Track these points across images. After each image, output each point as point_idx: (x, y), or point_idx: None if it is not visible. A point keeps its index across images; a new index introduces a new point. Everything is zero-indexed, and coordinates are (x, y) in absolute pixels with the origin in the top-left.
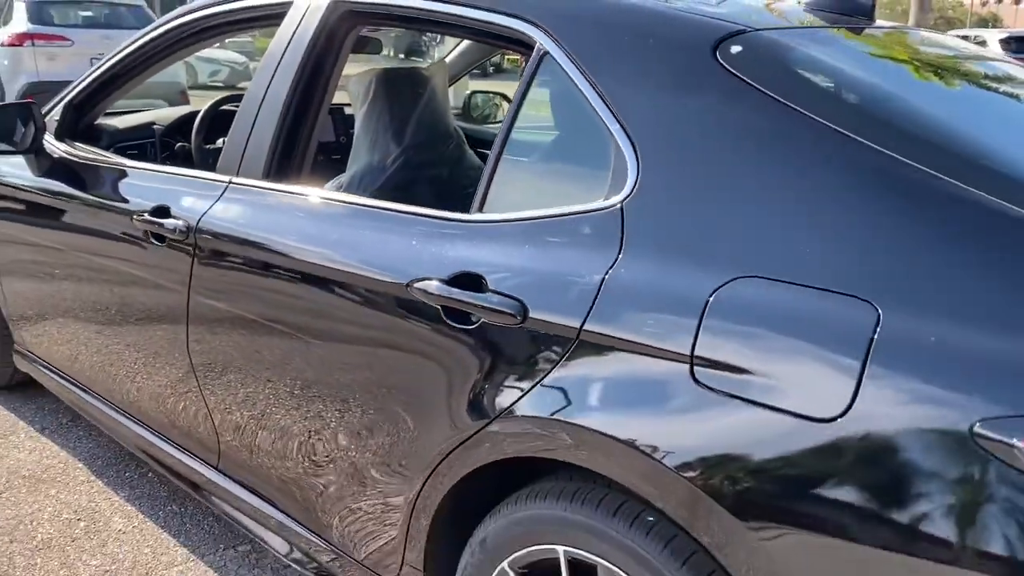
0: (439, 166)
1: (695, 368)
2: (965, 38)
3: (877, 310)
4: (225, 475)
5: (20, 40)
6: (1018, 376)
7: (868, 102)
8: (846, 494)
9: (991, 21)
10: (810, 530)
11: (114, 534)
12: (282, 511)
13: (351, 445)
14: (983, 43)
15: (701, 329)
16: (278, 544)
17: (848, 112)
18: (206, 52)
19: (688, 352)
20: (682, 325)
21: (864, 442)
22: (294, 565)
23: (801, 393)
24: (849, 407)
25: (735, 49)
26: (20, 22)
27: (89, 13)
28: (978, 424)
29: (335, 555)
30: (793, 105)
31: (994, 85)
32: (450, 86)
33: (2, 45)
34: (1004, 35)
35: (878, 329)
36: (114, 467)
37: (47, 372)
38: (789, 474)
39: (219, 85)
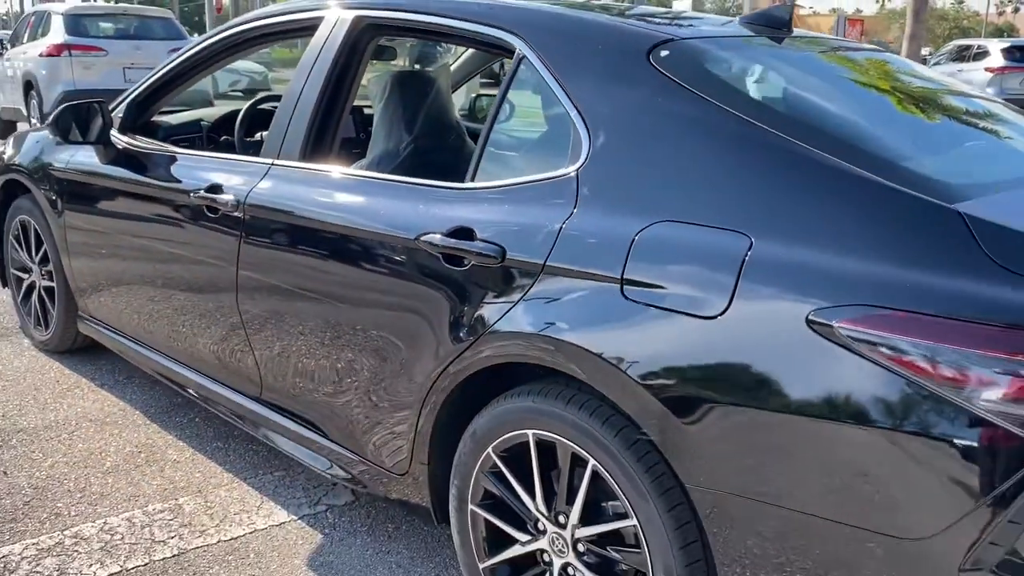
0: (442, 151)
1: (624, 287)
2: (967, 48)
3: (750, 239)
4: (266, 404)
5: (58, 51)
6: (836, 280)
7: (760, 92)
8: (729, 369)
9: (1007, 31)
10: (707, 399)
11: (170, 463)
12: (317, 431)
13: (371, 369)
14: (985, 53)
15: (628, 259)
16: (317, 465)
17: (742, 99)
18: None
19: (619, 276)
20: (616, 257)
21: (738, 330)
22: (330, 477)
23: (696, 300)
24: (728, 307)
25: (663, 53)
26: (57, 34)
27: (121, 25)
28: (811, 313)
29: (366, 465)
30: (703, 95)
31: (869, 77)
32: (454, 91)
33: (41, 55)
34: (1007, 44)
35: (749, 252)
36: (166, 413)
37: (109, 333)
38: (690, 359)
39: (239, 94)
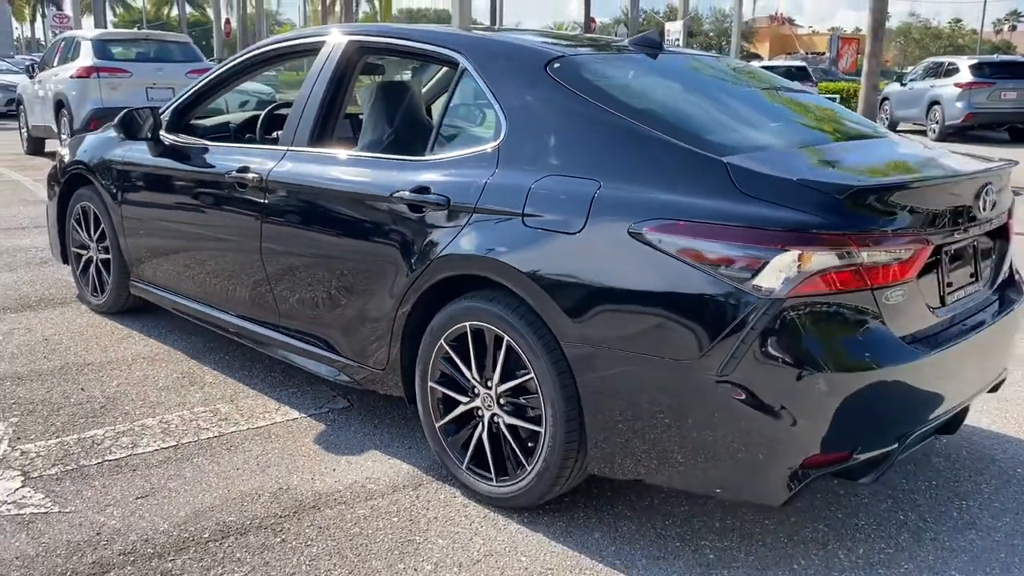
0: (413, 137)
1: (524, 219)
2: (940, 64)
3: (599, 183)
4: (283, 331)
5: (88, 72)
6: (645, 206)
7: (622, 90)
8: (584, 264)
9: (1003, 49)
10: (571, 284)
11: (207, 383)
12: (325, 347)
13: (361, 293)
14: (955, 69)
15: (527, 200)
16: (323, 370)
17: (603, 95)
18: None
19: (521, 211)
20: (519, 199)
21: (590, 240)
22: (336, 381)
23: (566, 223)
24: (584, 226)
25: (556, 65)
26: (87, 57)
27: (143, 49)
28: (630, 226)
29: (360, 368)
30: (578, 93)
31: (710, 77)
32: (431, 103)
33: (72, 77)
34: (975, 61)
35: (597, 191)
36: (202, 352)
37: (157, 291)
38: (561, 260)
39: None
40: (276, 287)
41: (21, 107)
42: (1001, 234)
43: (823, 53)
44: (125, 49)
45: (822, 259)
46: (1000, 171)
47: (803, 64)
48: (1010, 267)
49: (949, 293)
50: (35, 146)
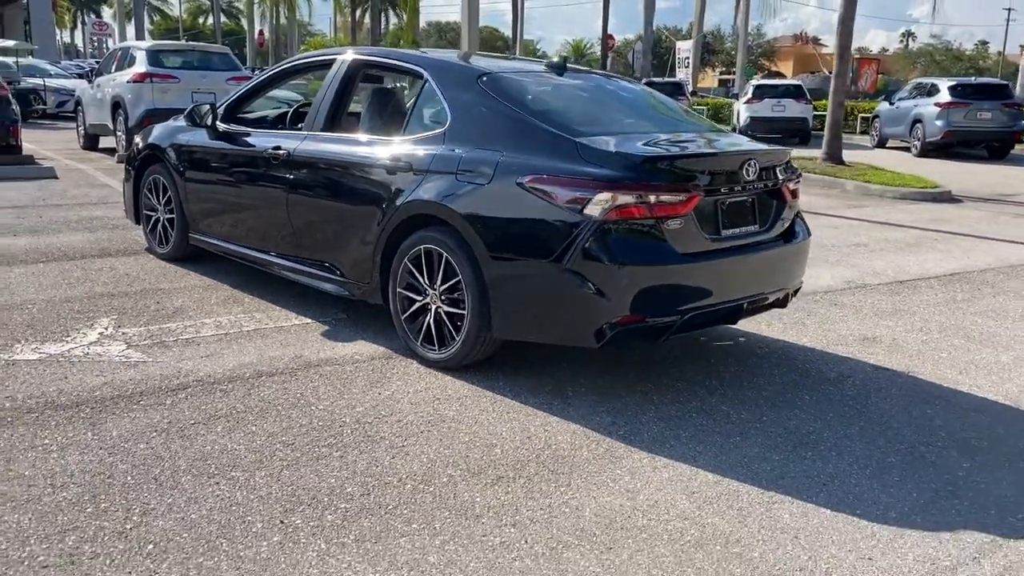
0: (395, 127)
1: (456, 176)
2: (923, 85)
3: (501, 154)
4: (303, 261)
5: (142, 78)
6: (526, 167)
7: (523, 96)
8: (490, 205)
9: None
10: (481, 217)
11: (246, 302)
12: (332, 271)
13: (356, 229)
14: (936, 89)
15: (459, 164)
16: (330, 287)
17: (511, 99)
18: (273, 92)
19: (455, 171)
20: (455, 164)
21: (494, 189)
22: (342, 294)
23: (480, 177)
24: (491, 180)
25: (484, 78)
26: (142, 65)
27: (190, 59)
28: (517, 179)
29: (356, 285)
30: (495, 97)
31: (592, 87)
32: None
33: (128, 82)
34: (953, 82)
35: (500, 158)
36: (242, 283)
37: (211, 240)
38: (476, 202)
39: None
40: (298, 229)
41: (79, 108)
42: (777, 196)
43: None
44: (174, 58)
45: (624, 198)
46: (763, 152)
47: (679, 81)
48: (792, 218)
49: (724, 228)
50: (90, 142)
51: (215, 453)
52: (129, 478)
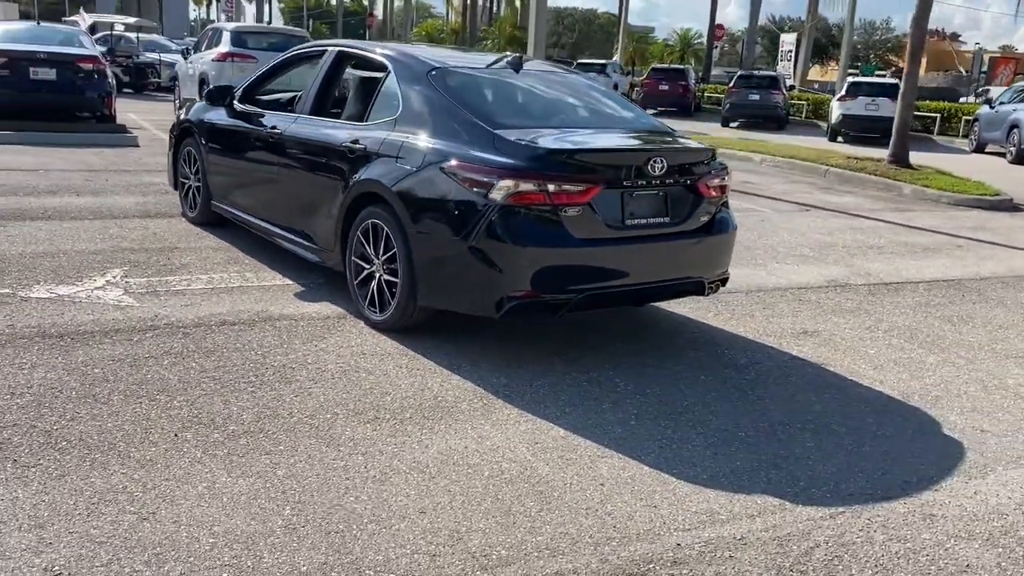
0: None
1: (397, 160)
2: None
3: (433, 140)
4: (289, 230)
5: (224, 57)
6: (449, 154)
7: (463, 90)
8: (418, 184)
9: None
10: (411, 195)
11: (243, 262)
12: (308, 239)
13: (324, 204)
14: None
15: (400, 149)
16: (307, 255)
17: (453, 92)
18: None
19: (396, 156)
20: (396, 149)
21: (423, 173)
22: (316, 261)
23: (413, 161)
24: (421, 165)
25: (433, 73)
26: (225, 45)
27: (270, 41)
28: (441, 164)
29: (324, 252)
30: (440, 90)
31: (537, 85)
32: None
33: (213, 60)
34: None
35: (430, 145)
36: (247, 247)
37: (226, 208)
38: (407, 181)
39: None
40: (286, 201)
41: (176, 82)
42: (695, 191)
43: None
44: (255, 40)
45: (524, 186)
46: (672, 151)
47: (775, 75)
48: (714, 212)
49: (629, 218)
50: None
51: (151, 380)
52: (74, 393)
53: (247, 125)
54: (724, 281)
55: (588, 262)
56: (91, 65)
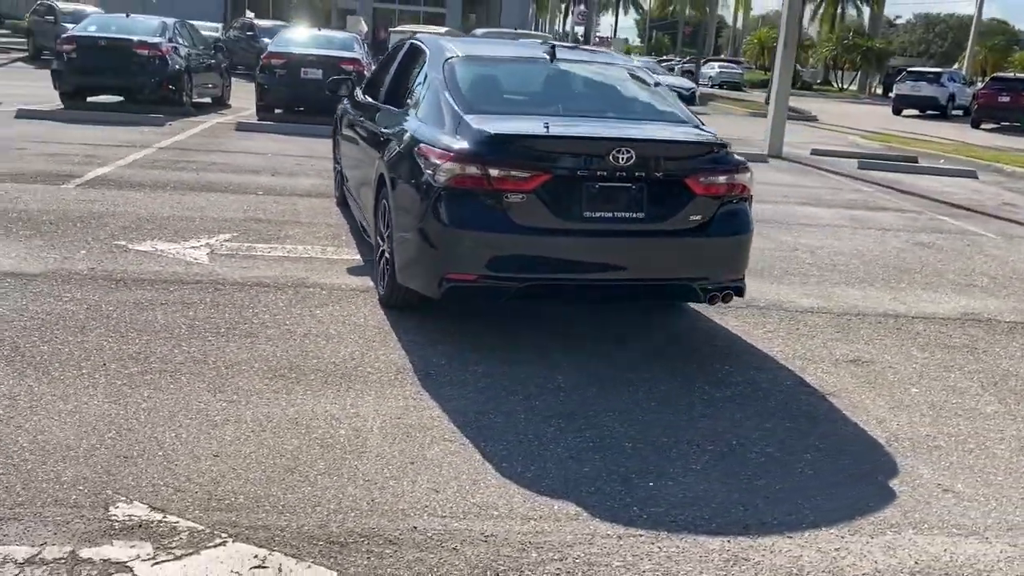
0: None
1: (399, 142)
2: None
3: (426, 124)
4: (360, 211)
5: None
6: (426, 138)
7: (465, 78)
8: (403, 161)
9: None
10: (395, 172)
11: (339, 242)
12: (364, 220)
13: (368, 185)
14: None
15: (403, 135)
16: (365, 235)
17: (454, 80)
18: None
19: (401, 138)
20: (403, 133)
21: (412, 157)
22: (368, 239)
23: (406, 144)
24: (409, 146)
25: (450, 61)
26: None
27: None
28: (415, 148)
29: (373, 232)
30: (445, 77)
31: (555, 75)
32: None
33: None
34: None
35: (416, 128)
36: (358, 230)
37: (345, 187)
38: (397, 168)
39: None
40: (357, 184)
41: None
42: (683, 187)
43: None
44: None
45: (466, 170)
46: (645, 142)
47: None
48: (712, 211)
49: (589, 210)
50: None
51: (159, 321)
52: (91, 322)
53: (350, 114)
54: (738, 291)
55: (533, 251)
56: (351, 67)
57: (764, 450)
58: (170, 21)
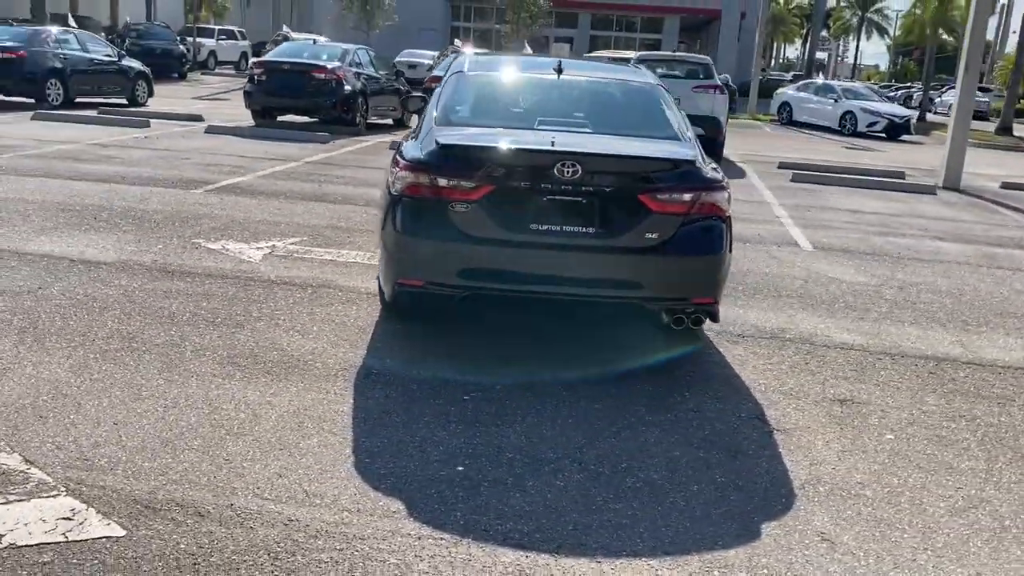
0: None
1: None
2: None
3: (412, 138)
4: None
5: None
6: (404, 149)
7: (463, 89)
8: (383, 183)
9: None
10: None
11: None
12: None
13: None
14: None
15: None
16: None
17: (452, 90)
18: None
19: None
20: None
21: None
22: None
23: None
24: (396, 161)
25: (456, 75)
26: None
27: (671, 67)
28: (393, 157)
29: None
30: (449, 87)
31: (557, 88)
32: None
33: None
34: None
35: (403, 143)
36: None
37: None
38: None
39: None
40: None
41: None
42: (639, 203)
43: None
44: (653, 65)
45: (417, 179)
46: (593, 157)
47: None
48: (671, 230)
49: (535, 222)
50: None
51: (171, 308)
52: (114, 305)
53: None
54: (710, 316)
55: (479, 262)
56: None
57: (648, 477)
58: (352, 47)
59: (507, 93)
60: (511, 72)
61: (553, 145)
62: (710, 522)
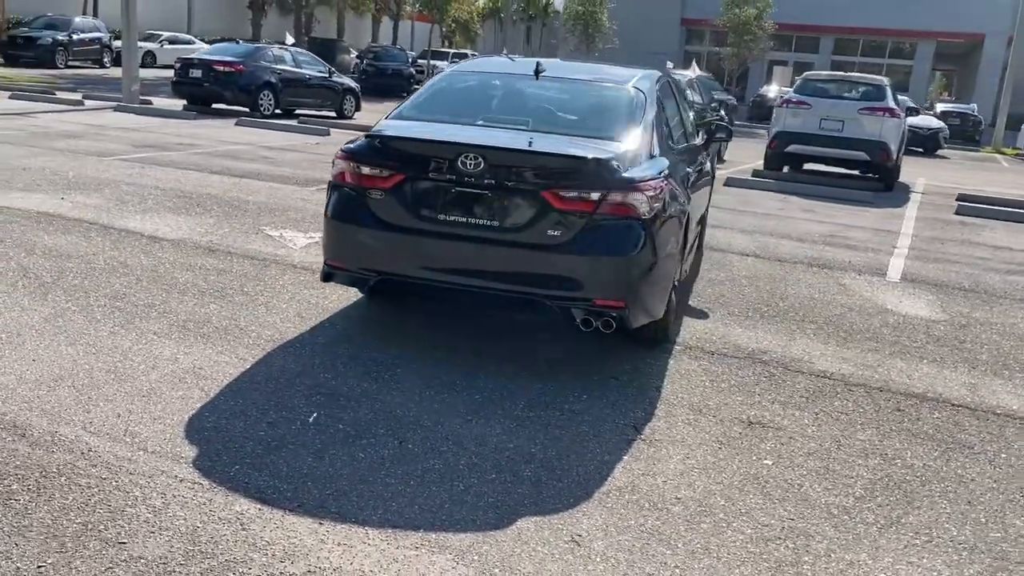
0: None
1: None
2: None
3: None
4: None
5: (783, 103)
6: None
7: (440, 90)
8: None
9: None
10: None
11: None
12: None
13: None
14: None
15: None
16: None
17: (429, 93)
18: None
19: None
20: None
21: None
22: None
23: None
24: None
25: (445, 73)
26: (788, 92)
27: (836, 88)
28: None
29: None
30: (432, 89)
31: (527, 90)
32: None
33: (775, 106)
34: None
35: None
36: None
37: None
38: None
39: None
40: None
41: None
42: (540, 199)
43: None
44: (821, 85)
45: (349, 166)
46: (496, 151)
47: None
48: (576, 228)
49: (444, 213)
50: None
51: (178, 279)
52: (138, 272)
53: None
54: (619, 320)
55: (390, 248)
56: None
57: (454, 463)
58: (266, 47)
59: (471, 93)
60: (489, 74)
61: (458, 138)
62: (475, 508)
